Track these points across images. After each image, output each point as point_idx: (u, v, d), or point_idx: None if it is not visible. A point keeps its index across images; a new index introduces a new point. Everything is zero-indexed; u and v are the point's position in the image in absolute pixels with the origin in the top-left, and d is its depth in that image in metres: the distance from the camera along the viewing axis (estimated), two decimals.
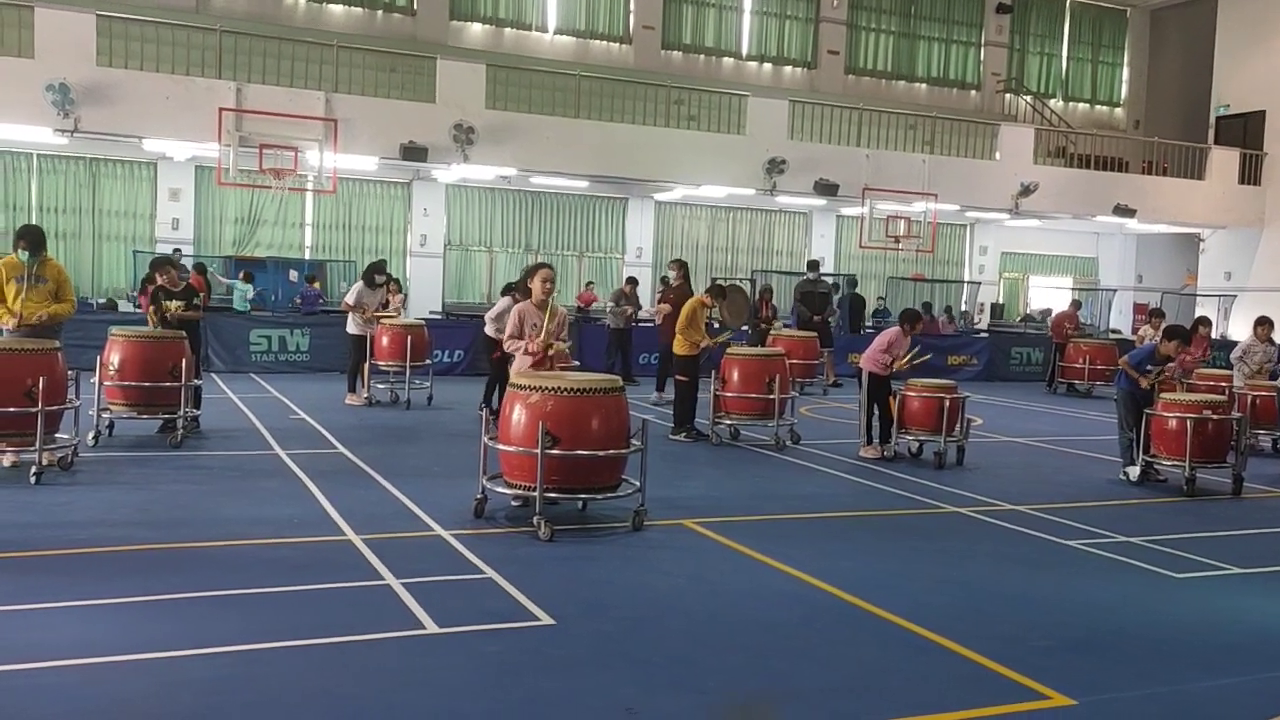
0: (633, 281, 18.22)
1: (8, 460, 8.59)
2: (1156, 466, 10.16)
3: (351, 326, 13.67)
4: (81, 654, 4.73)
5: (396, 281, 17.01)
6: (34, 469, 8.14)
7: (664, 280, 15.90)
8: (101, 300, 19.01)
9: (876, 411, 11.11)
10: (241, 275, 19.21)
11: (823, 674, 5.01)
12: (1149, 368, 10.20)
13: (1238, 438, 10.06)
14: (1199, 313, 19.05)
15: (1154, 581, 6.81)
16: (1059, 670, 5.07)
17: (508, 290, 12.83)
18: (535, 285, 8.31)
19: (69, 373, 8.65)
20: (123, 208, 20.72)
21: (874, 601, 5.99)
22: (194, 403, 10.58)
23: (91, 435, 9.78)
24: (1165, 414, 9.94)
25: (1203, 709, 4.82)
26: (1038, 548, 7.61)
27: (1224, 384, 13.15)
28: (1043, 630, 5.70)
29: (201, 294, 11.89)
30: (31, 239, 8.97)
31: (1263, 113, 25.78)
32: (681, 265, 15.15)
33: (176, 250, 18.42)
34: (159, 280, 10.82)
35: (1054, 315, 21.11)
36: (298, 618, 5.36)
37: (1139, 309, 26.35)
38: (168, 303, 10.60)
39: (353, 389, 13.76)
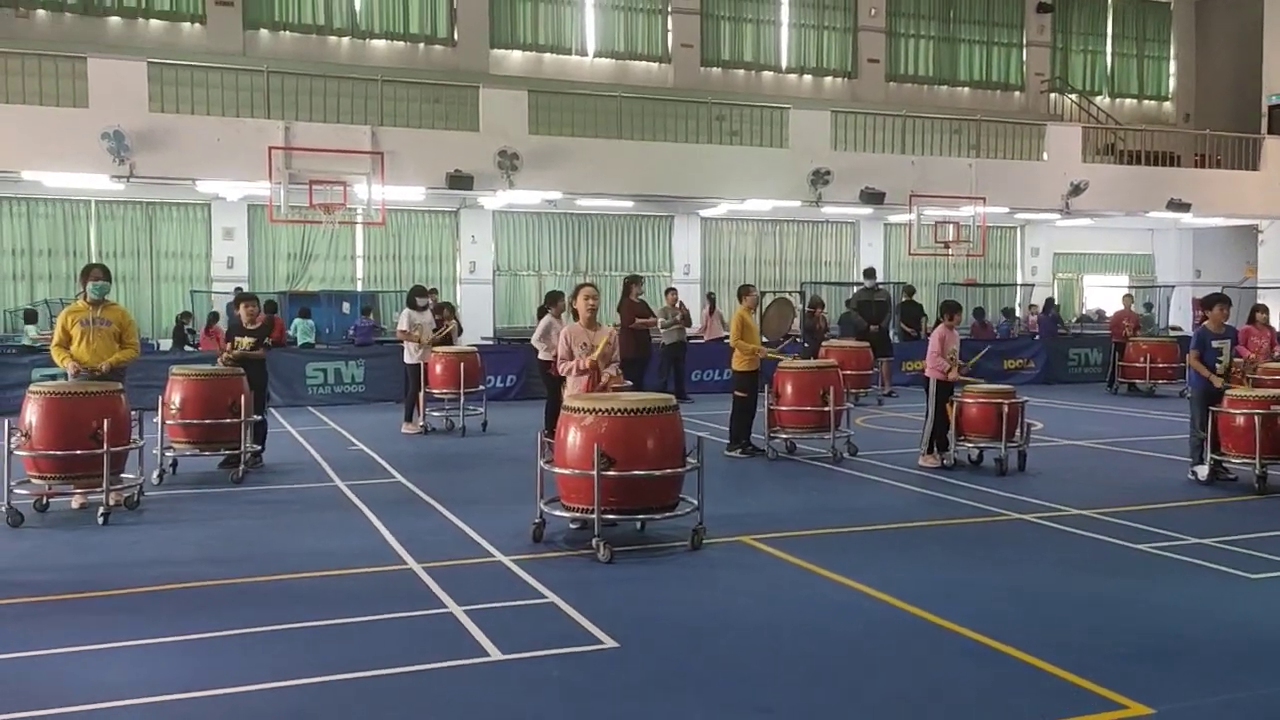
0: (672, 292, 18.17)
1: (76, 502, 8.77)
2: (1226, 465, 9.92)
3: (408, 356, 13.81)
4: (152, 692, 4.80)
5: (451, 308, 17.13)
6: (101, 510, 8.30)
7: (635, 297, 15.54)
8: (165, 341, 19.34)
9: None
10: (300, 313, 19.49)
11: (891, 688, 4.94)
12: (1219, 359, 9.94)
13: None
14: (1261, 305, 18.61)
15: (1228, 583, 6.64)
16: (1134, 678, 4.96)
17: (544, 310, 12.93)
18: (579, 305, 8.34)
19: (132, 413, 8.83)
20: (179, 249, 21.14)
21: (939, 613, 5.90)
22: (256, 438, 10.74)
23: (156, 474, 9.94)
24: (1232, 410, 9.71)
25: None
26: (1106, 552, 7.45)
27: None
28: (1116, 637, 5.58)
29: (273, 334, 12.08)
30: (105, 270, 9.38)
31: None
32: (638, 280, 15.31)
33: (238, 289, 18.74)
34: (239, 313, 11.03)
35: (1112, 314, 20.77)
36: (364, 649, 5.39)
37: (1197, 304, 25.82)
38: (239, 339, 10.79)
39: (409, 418, 13.88)
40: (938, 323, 11.31)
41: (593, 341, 8.15)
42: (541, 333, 12.46)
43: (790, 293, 20.16)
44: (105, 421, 8.24)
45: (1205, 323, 10.28)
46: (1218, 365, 9.94)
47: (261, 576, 6.77)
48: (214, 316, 19.00)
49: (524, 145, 19.11)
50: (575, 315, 8.48)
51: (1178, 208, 23.67)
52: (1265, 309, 14.16)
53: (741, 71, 25.91)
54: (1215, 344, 10.03)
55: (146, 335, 19.27)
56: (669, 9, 25.08)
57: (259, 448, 10.90)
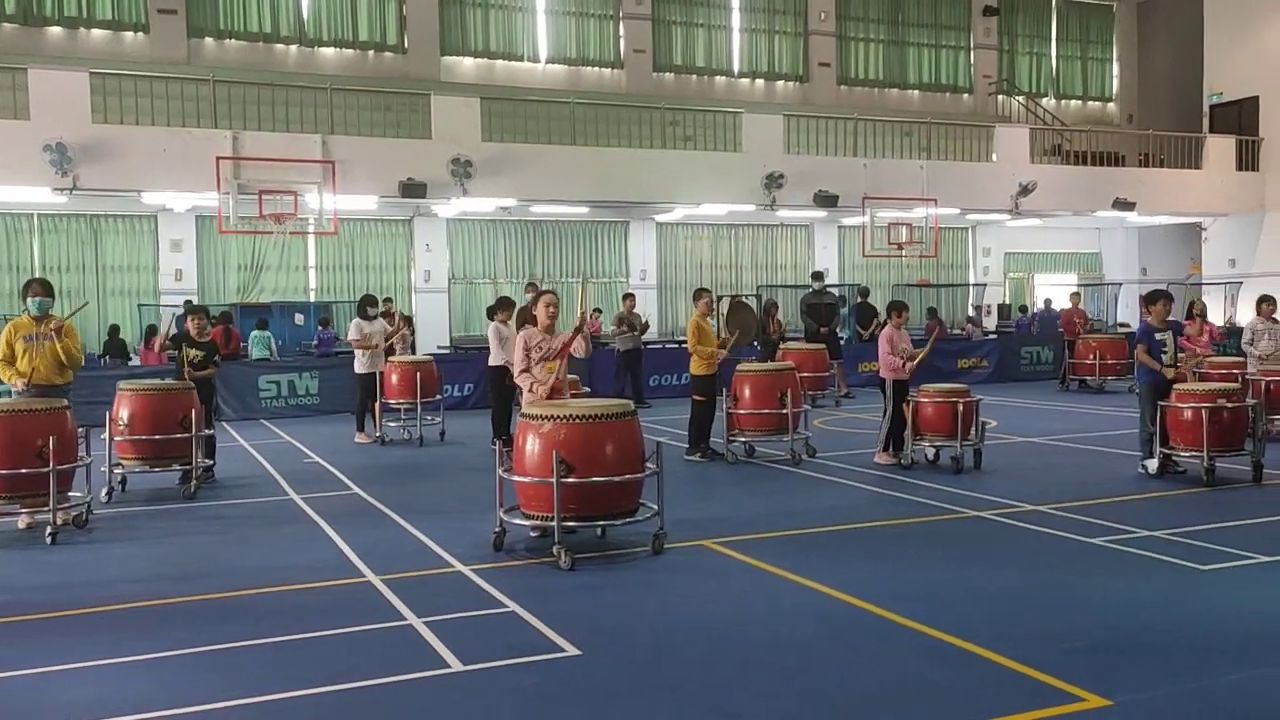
0: (629, 298, 18.17)
1: (23, 522, 8.58)
2: (1175, 458, 10.08)
3: (359, 365, 13.70)
4: (108, 713, 4.69)
5: (402, 316, 16.99)
6: (49, 529, 8.12)
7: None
8: (103, 346, 18.99)
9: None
10: (256, 324, 19.25)
11: (855, 689, 4.95)
12: (1164, 349, 10.11)
13: (1254, 424, 9.99)
14: (1206, 301, 18.99)
15: (1181, 575, 6.74)
16: (1093, 670, 5.01)
17: (492, 315, 12.87)
18: (539, 312, 8.31)
19: (79, 430, 8.66)
20: (125, 262, 20.79)
21: (900, 612, 5.93)
22: (207, 452, 10.57)
23: (105, 492, 9.76)
24: (1180, 405, 9.87)
25: (1238, 701, 4.76)
26: (1062, 547, 7.54)
27: (1237, 371, 13.07)
28: (1073, 631, 5.64)
29: (222, 351, 11.93)
30: (45, 284, 9.18)
31: (1256, 98, 25.74)
32: (534, 288, 14.80)
33: (188, 301, 18.48)
34: (187, 325, 10.91)
35: (1062, 312, 21.08)
36: (322, 664, 5.31)
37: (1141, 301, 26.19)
38: (188, 349, 10.65)
39: (361, 428, 13.76)
40: (883, 323, 11.42)
41: (550, 347, 8.11)
42: (496, 341, 12.42)
43: (746, 296, 20.26)
44: (51, 439, 8.07)
45: (1148, 318, 10.45)
46: (1163, 357, 10.12)
47: (217, 593, 6.66)
48: (152, 329, 18.71)
49: (477, 152, 19.03)
50: (534, 321, 8.44)
51: (1123, 207, 24.09)
52: (1202, 304, 14.47)
53: (694, 76, 25.98)
54: (1159, 337, 10.20)
55: (93, 351, 18.94)
56: (620, 15, 25.12)
57: (211, 462, 10.75)
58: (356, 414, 13.90)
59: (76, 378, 9.55)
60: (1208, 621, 5.81)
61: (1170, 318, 10.47)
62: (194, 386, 10.34)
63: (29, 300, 9.04)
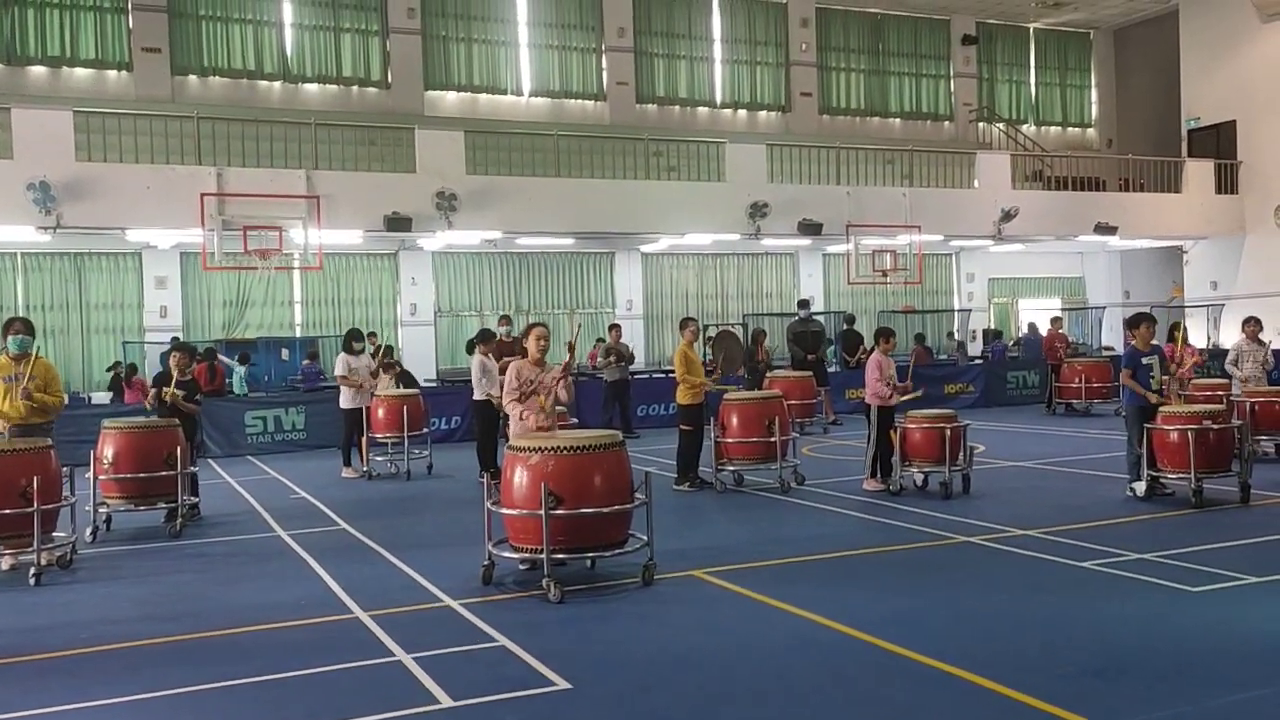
0: (615, 328, 18.19)
1: (6, 563, 8.48)
2: (1162, 480, 10.10)
3: (344, 400, 13.65)
4: None
5: (388, 350, 16.93)
6: (33, 570, 8.04)
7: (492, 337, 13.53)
8: (97, 394, 18.92)
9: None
10: (238, 358, 19.21)
11: (843, 716, 4.92)
12: (1150, 375, 10.15)
13: (1241, 445, 10.02)
14: (1189, 324, 19.14)
15: (1172, 597, 6.73)
16: (1085, 696, 4.99)
17: (471, 347, 12.84)
18: (530, 344, 8.34)
19: (63, 470, 8.59)
20: (110, 300, 20.71)
21: (891, 639, 5.91)
22: (191, 490, 10.50)
23: (89, 531, 9.68)
24: (1166, 427, 9.90)
25: None
26: (1052, 572, 7.53)
27: (1222, 392, 13.13)
28: (1065, 655, 5.62)
29: (206, 387, 11.87)
30: (25, 323, 9.12)
31: (1233, 122, 26.04)
32: (507, 320, 14.95)
33: (174, 338, 18.41)
34: (170, 362, 10.85)
35: (1045, 336, 21.19)
36: (310, 702, 5.26)
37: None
38: (167, 388, 10.58)
39: (348, 462, 13.70)
40: (871, 350, 11.50)
41: (541, 380, 8.12)
42: (479, 374, 12.42)
43: (733, 325, 20.31)
44: (35, 479, 8.00)
45: (1133, 342, 10.50)
46: (1150, 381, 10.15)
47: (204, 632, 6.59)
48: (132, 368, 18.68)
49: (462, 186, 19.08)
50: (524, 353, 8.47)
51: (1105, 231, 24.25)
52: (1182, 326, 14.54)
53: (677, 107, 26.15)
54: (1145, 361, 10.24)
55: (77, 389, 18.85)
56: (603, 48, 25.29)
57: (196, 499, 10.67)
58: (343, 448, 13.83)
59: (61, 416, 9.49)
60: (1199, 643, 5.80)
61: (1154, 341, 10.54)
62: (179, 423, 10.28)
63: (9, 339, 8.97)
